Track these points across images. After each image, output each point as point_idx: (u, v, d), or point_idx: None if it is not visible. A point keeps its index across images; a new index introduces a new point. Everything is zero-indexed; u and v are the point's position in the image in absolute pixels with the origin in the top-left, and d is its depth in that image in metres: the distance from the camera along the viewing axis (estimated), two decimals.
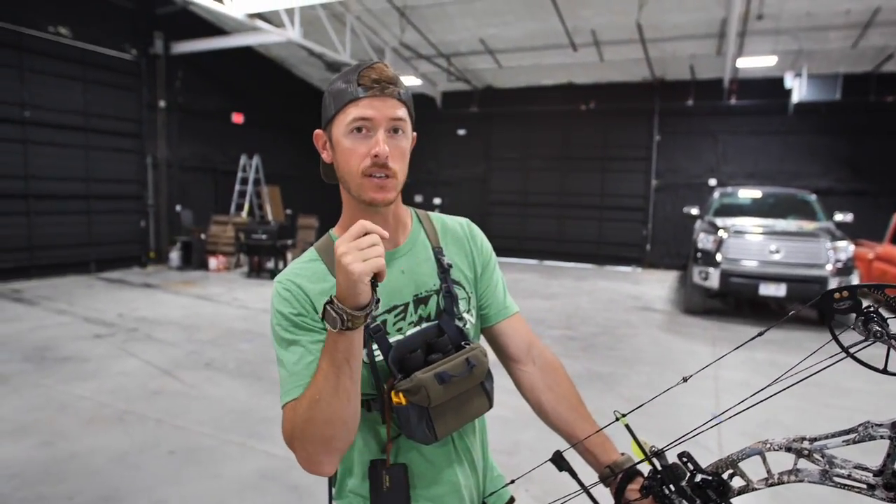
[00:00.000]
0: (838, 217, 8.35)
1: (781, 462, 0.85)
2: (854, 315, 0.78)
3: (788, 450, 0.81)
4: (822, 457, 0.80)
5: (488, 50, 12.39)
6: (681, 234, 12.87)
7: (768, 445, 0.83)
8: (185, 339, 6.09)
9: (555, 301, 8.94)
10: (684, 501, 0.88)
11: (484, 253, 1.24)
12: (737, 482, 0.86)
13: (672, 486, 0.89)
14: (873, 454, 0.80)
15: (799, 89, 10.89)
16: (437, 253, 1.16)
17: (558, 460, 1.04)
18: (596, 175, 13.90)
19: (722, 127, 12.78)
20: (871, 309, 0.77)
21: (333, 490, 1.17)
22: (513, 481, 1.22)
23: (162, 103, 11.28)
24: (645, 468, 0.98)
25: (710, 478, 0.86)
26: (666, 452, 0.95)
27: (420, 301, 1.11)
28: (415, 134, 1.11)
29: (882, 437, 0.77)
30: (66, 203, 9.91)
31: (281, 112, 14.47)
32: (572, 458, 1.11)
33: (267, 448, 3.58)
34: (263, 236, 10.19)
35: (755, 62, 10.92)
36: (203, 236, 11.36)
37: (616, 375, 5.33)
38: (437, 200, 15.51)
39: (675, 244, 13.24)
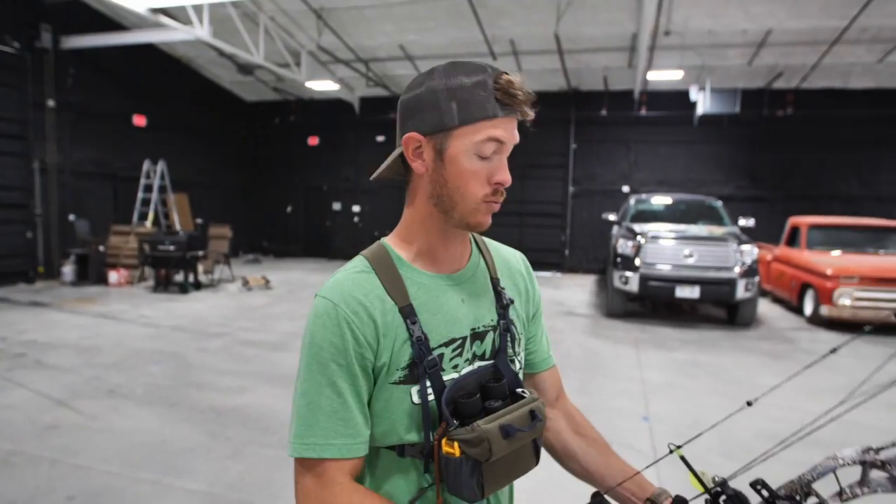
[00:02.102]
0: (742, 222, 8.93)
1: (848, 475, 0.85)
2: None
3: (862, 463, 0.81)
4: (892, 465, 0.81)
5: (408, 56, 12.29)
6: (598, 240, 13.33)
7: (840, 461, 0.82)
8: (83, 363, 5.47)
9: None
10: None
11: (537, 295, 1.13)
12: (811, 501, 0.84)
13: None
14: None
15: (703, 102, 11.61)
16: (496, 284, 1.03)
17: (600, 502, 0.93)
18: (516, 182, 13.82)
19: (634, 136, 13.40)
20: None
21: None
22: None
23: (51, 103, 10.25)
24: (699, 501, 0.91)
25: (786, 502, 0.82)
26: (730, 481, 0.88)
27: (477, 336, 0.97)
28: None
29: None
30: None
31: (188, 115, 13.62)
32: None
33: (185, 484, 3.22)
34: (171, 247, 9.46)
35: (663, 76, 11.52)
36: (101, 248, 10.40)
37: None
38: (356, 208, 15.19)
39: (593, 249, 13.70)
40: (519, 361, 1.03)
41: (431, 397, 0.89)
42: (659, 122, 13.13)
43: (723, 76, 11.82)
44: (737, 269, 7.64)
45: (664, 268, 7.78)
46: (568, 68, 12.06)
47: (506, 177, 0.91)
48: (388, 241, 1.00)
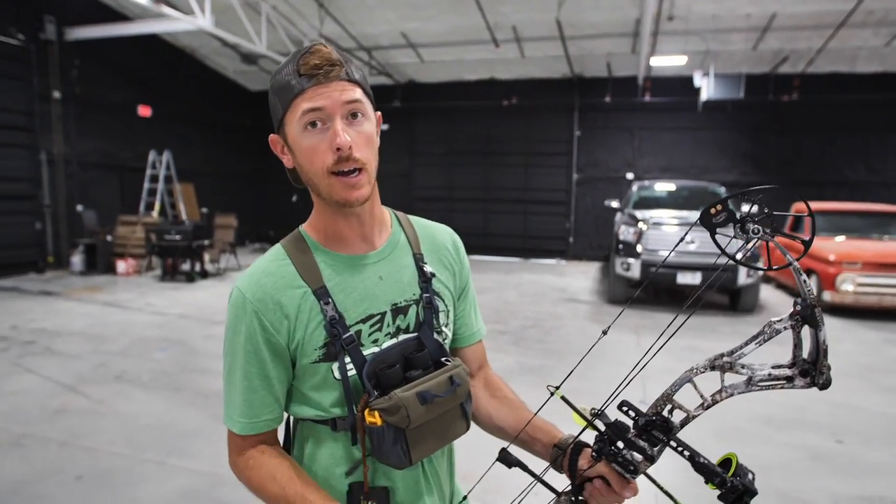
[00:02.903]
0: (745, 208, 8.90)
1: (710, 385, 0.89)
2: (732, 224, 0.84)
3: (713, 368, 0.86)
4: (743, 367, 0.86)
5: (410, 44, 12.26)
6: (602, 227, 13.32)
7: (695, 371, 0.86)
8: (91, 350, 5.58)
9: (484, 296, 8.97)
10: (634, 453, 0.88)
11: (465, 270, 1.17)
12: (677, 415, 0.88)
13: (621, 442, 0.89)
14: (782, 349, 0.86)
15: (707, 88, 11.53)
16: (419, 260, 1.07)
17: (505, 457, 0.98)
18: (519, 170, 14.13)
19: (637, 123, 13.33)
20: (745, 214, 0.83)
21: None
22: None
23: (56, 94, 10.32)
24: (592, 436, 0.96)
25: (653, 418, 0.87)
26: (606, 412, 0.94)
27: (399, 311, 1.01)
28: (378, 113, 1.01)
29: (785, 328, 0.84)
30: None
31: (193, 105, 13.66)
32: (522, 455, 1.05)
33: (189, 465, 3.31)
34: (177, 237, 9.57)
35: (667, 61, 11.44)
36: (109, 238, 10.52)
37: (546, 368, 5.40)
38: None
39: (597, 236, 13.69)
40: (446, 333, 1.07)
41: (353, 372, 0.94)
42: (663, 109, 13.04)
43: (727, 61, 11.72)
44: (738, 256, 7.63)
45: (666, 254, 7.80)
46: (571, 55, 11.99)
47: (339, 140, 0.89)
48: (304, 227, 1.05)
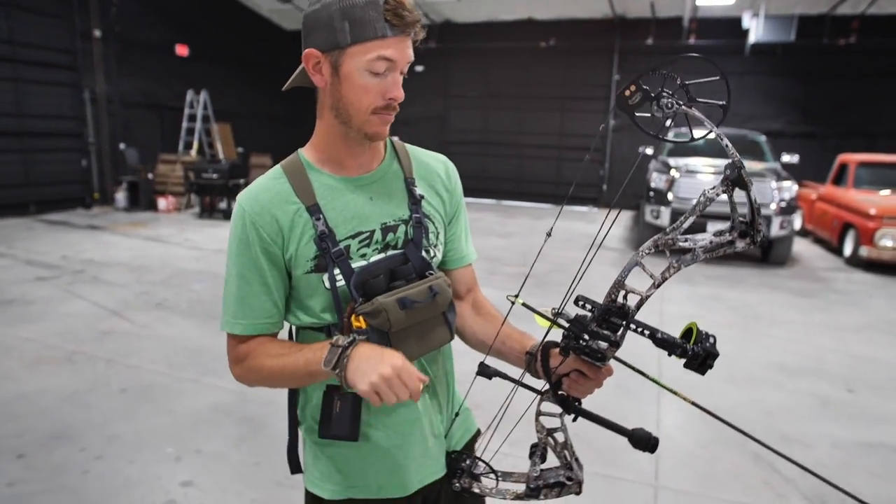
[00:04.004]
0: (785, 158, 8.61)
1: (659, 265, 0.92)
2: (649, 103, 0.85)
3: (657, 247, 0.88)
4: (686, 240, 0.88)
5: None
6: (636, 175, 13.06)
7: (640, 254, 0.89)
8: (134, 280, 5.94)
9: (511, 239, 9.04)
10: (599, 342, 0.92)
11: (456, 196, 1.23)
12: (632, 299, 0.91)
13: (585, 335, 0.92)
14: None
15: (755, 30, 10.94)
16: (409, 184, 1.13)
17: (483, 370, 1.04)
18: (555, 114, 13.83)
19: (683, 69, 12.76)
20: (659, 90, 0.84)
21: (298, 412, 1.17)
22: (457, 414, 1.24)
23: (97, 33, 10.51)
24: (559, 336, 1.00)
25: (609, 306, 0.90)
26: (566, 309, 0.97)
27: (388, 229, 1.08)
28: None
29: (718, 195, 0.86)
30: None
31: (229, 45, 13.70)
32: (505, 367, 1.11)
33: (221, 384, 3.59)
34: (214, 175, 9.85)
35: (714, 1, 10.85)
36: (150, 176, 10.90)
37: (565, 310, 5.48)
38: (394, 138, 15.18)
39: (631, 184, 13.44)
40: (434, 253, 1.14)
41: (342, 282, 1.03)
42: (708, 52, 12.44)
43: (780, 1, 11.04)
44: (773, 206, 7.45)
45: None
46: None
47: (398, 93, 0.98)
48: (303, 149, 1.11)
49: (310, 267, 1.04)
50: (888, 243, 7.39)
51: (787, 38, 10.99)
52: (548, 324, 0.98)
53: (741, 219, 0.88)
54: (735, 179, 0.86)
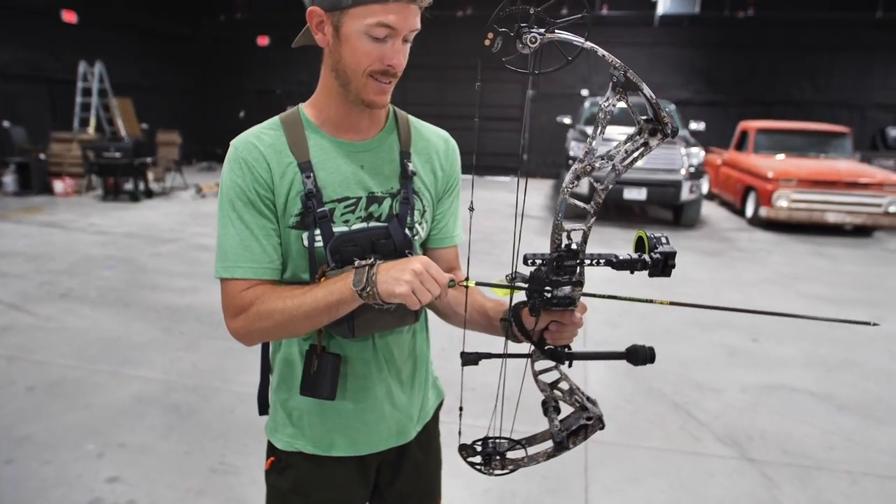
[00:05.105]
0: (692, 126, 9.09)
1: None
2: (513, 44, 0.86)
3: (578, 178, 0.90)
4: (602, 159, 0.91)
5: None
6: (556, 144, 13.38)
7: (565, 189, 0.90)
8: (33, 270, 5.46)
9: None
10: (563, 288, 0.93)
11: (453, 176, 1.21)
12: (575, 236, 0.93)
13: (547, 288, 0.93)
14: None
15: (663, 2, 11.37)
16: (404, 157, 1.11)
17: (466, 359, 1.01)
18: (474, 85, 13.85)
19: (593, 38, 12.91)
20: (515, 27, 0.85)
21: (270, 357, 1.18)
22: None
23: None
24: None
25: (558, 254, 0.91)
26: (518, 273, 0.98)
27: (374, 200, 1.06)
28: None
29: (614, 105, 0.89)
30: None
31: (126, 11, 12.66)
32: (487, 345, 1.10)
33: (142, 374, 3.40)
34: (117, 154, 9.15)
35: None
36: (42, 156, 9.97)
37: (491, 278, 5.59)
38: None
39: (551, 153, 13.78)
40: (419, 230, 1.12)
41: (320, 244, 1.02)
42: (619, 23, 12.85)
43: None
44: (682, 172, 7.88)
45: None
46: None
47: (397, 60, 0.96)
48: (304, 105, 1.09)
49: (293, 222, 1.02)
50: (783, 203, 8.03)
51: (692, 11, 11.54)
52: (508, 292, 0.99)
53: (644, 118, 0.89)
54: (624, 83, 0.87)
